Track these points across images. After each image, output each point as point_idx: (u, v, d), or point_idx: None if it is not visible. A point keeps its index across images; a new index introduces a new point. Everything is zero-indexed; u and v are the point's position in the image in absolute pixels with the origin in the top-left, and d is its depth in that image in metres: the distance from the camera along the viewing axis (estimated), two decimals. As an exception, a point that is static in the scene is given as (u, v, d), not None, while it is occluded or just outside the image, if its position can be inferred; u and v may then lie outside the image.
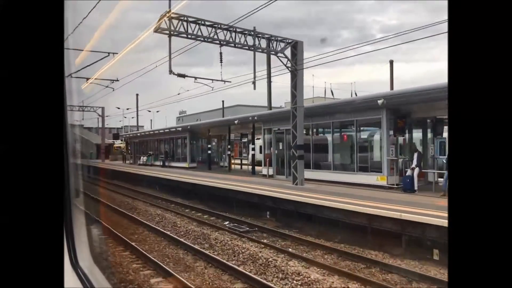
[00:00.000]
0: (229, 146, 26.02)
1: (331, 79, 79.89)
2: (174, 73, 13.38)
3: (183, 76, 14.26)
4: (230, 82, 16.33)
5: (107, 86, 26.76)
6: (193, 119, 49.08)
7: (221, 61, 14.34)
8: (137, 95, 46.26)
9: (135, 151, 38.48)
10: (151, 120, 63.23)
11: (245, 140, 33.20)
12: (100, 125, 43.50)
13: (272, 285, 6.54)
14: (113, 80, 25.81)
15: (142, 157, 34.60)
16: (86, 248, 2.09)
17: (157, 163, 31.70)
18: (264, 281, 6.65)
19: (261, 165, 21.84)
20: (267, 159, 19.60)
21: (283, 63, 15.21)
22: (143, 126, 58.64)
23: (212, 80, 15.54)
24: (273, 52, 15.21)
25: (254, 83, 15.24)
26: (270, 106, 25.53)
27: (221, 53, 14.09)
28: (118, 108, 50.51)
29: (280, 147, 18.77)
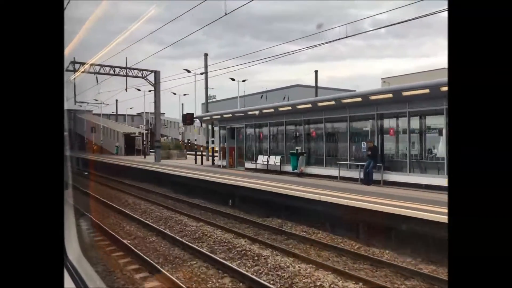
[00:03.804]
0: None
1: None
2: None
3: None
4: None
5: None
6: (221, 106, 37.31)
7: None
8: (205, 54, 26.45)
9: (238, 145, 20.02)
10: (182, 104, 44.83)
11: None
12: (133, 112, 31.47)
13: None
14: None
15: (267, 157, 17.34)
16: (75, 241, 2.09)
17: (315, 171, 14.93)
18: None
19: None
20: None
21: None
22: (164, 113, 47.21)
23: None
24: None
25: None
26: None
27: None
28: (188, 71, 28.42)
29: None
